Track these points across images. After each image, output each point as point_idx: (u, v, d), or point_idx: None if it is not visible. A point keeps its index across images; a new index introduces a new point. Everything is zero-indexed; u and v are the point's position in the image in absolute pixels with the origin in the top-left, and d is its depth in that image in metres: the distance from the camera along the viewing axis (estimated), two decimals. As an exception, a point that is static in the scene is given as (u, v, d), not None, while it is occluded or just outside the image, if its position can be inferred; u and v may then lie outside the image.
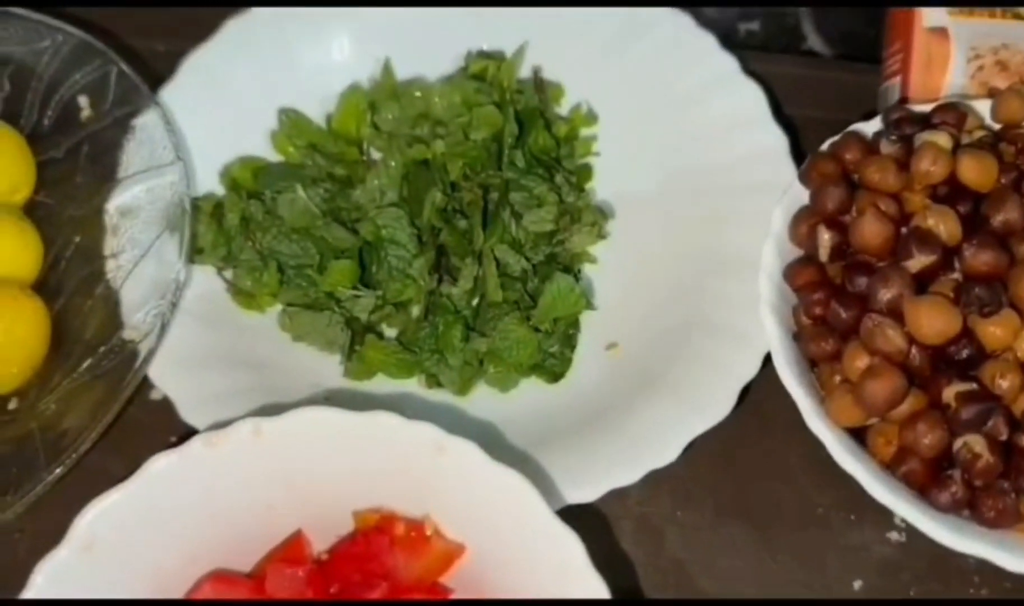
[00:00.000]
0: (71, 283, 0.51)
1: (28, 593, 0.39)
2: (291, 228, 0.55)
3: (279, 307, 0.54)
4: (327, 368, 0.53)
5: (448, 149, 0.56)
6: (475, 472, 0.41)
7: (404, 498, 0.43)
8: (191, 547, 0.42)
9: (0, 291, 0.48)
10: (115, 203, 0.53)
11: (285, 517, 0.43)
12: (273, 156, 0.59)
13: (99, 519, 0.40)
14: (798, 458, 0.50)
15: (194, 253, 0.53)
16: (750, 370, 0.48)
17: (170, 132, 0.53)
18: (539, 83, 0.60)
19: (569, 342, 0.53)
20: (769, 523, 0.49)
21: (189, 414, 0.48)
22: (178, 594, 0.42)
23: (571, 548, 0.39)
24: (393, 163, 0.56)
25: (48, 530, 0.44)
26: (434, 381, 0.53)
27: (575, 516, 0.42)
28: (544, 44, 0.60)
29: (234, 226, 0.54)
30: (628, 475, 0.46)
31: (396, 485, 0.43)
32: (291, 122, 0.59)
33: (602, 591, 0.39)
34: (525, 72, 0.60)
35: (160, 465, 0.41)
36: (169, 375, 0.49)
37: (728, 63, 0.58)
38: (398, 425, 0.41)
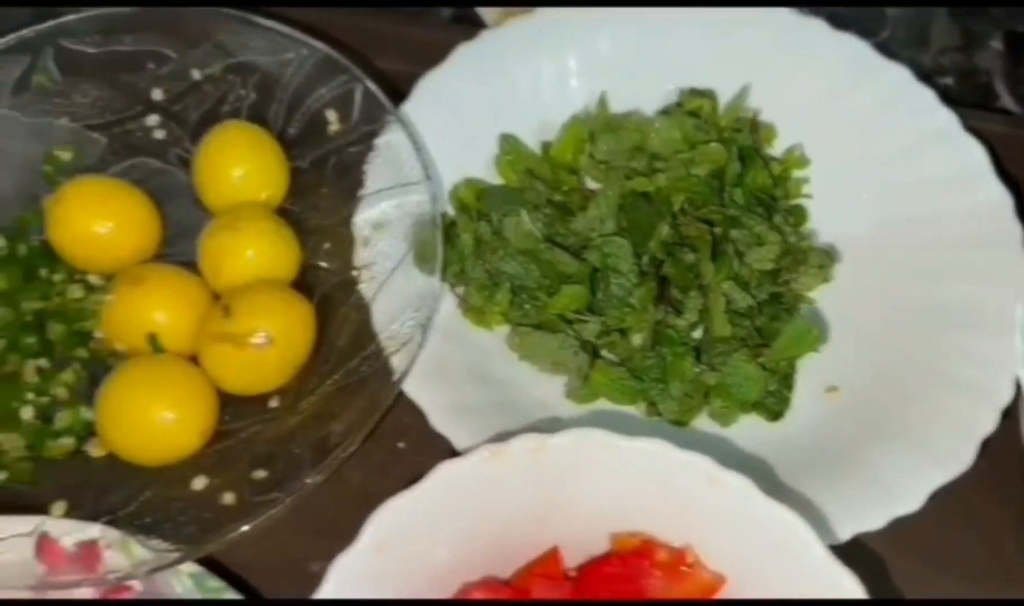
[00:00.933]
0: (322, 290, 0.54)
1: (322, 592, 0.41)
2: (517, 250, 0.57)
3: (505, 325, 0.56)
4: (543, 388, 0.55)
5: (670, 183, 0.58)
6: (747, 506, 0.42)
7: (666, 525, 0.44)
8: (463, 552, 0.44)
9: (272, 291, 0.50)
10: (364, 216, 0.55)
11: (545, 531, 0.45)
12: (491, 178, 0.61)
13: (390, 521, 0.42)
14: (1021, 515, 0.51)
15: (422, 267, 0.55)
16: (990, 424, 0.49)
17: (418, 151, 0.55)
18: (754, 124, 0.61)
19: (787, 382, 0.55)
20: (990, 578, 0.50)
21: (440, 423, 0.50)
22: (448, 596, 0.44)
23: (849, 590, 0.40)
24: (611, 193, 0.58)
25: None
26: (654, 410, 0.54)
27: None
28: (760, 86, 0.62)
29: (468, 246, 0.56)
30: (873, 521, 0.47)
31: (659, 512, 0.44)
32: (510, 147, 0.61)
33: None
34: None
35: (448, 471, 0.43)
36: (417, 384, 0.51)
37: (948, 118, 0.59)
38: (672, 454, 0.43)
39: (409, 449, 0.55)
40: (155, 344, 0.49)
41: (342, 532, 0.51)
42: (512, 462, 0.43)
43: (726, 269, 0.55)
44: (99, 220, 0.52)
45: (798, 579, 0.41)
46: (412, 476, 0.55)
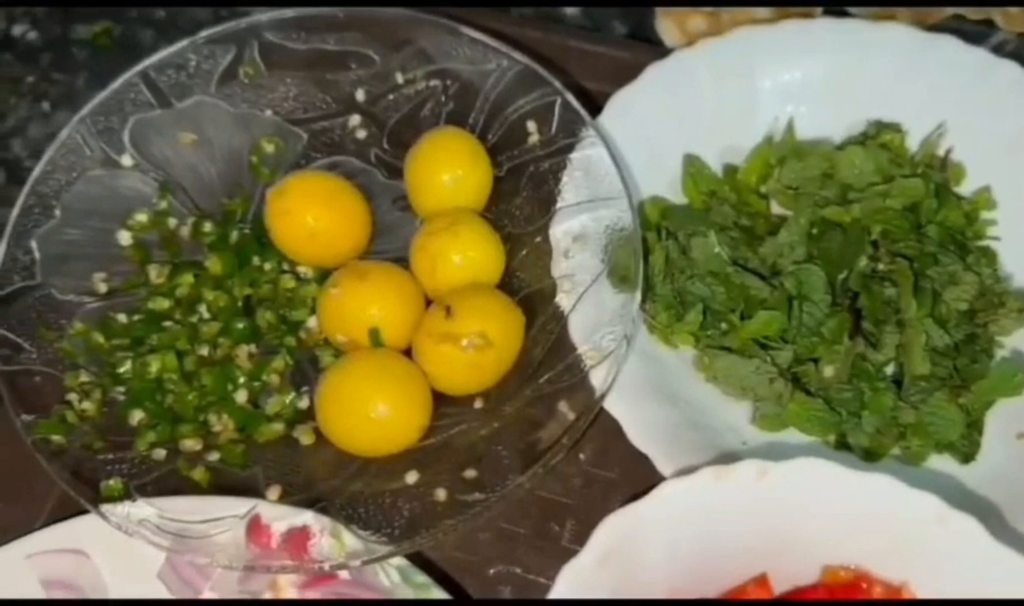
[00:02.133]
0: (519, 297, 0.54)
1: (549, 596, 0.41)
2: (705, 271, 0.57)
3: (690, 345, 0.56)
4: (729, 411, 0.55)
5: (865, 214, 0.58)
6: (972, 546, 0.42)
7: (882, 560, 0.44)
8: (678, 569, 0.44)
9: (490, 295, 0.51)
10: (563, 228, 0.55)
11: (757, 556, 0.45)
12: (674, 197, 0.61)
13: (614, 534, 0.42)
14: None
15: (619, 282, 0.56)
16: None
17: (617, 166, 0.55)
18: (944, 162, 0.61)
19: (978, 425, 0.54)
20: None
21: (638, 439, 0.50)
22: (658, 615, 0.44)
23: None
24: (802, 220, 0.58)
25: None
26: (842, 442, 0.54)
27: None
28: (949, 124, 0.61)
29: (659, 264, 0.57)
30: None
31: (877, 546, 0.44)
32: (695, 168, 0.61)
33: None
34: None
35: (671, 489, 0.43)
36: (613, 399, 0.52)
37: None
38: (899, 491, 0.43)
39: (589, 461, 0.56)
40: (376, 339, 0.50)
41: (519, 536, 0.53)
42: (735, 486, 0.43)
43: (927, 306, 0.54)
44: (321, 215, 0.53)
45: (1025, 626, 0.41)
46: (590, 487, 0.56)
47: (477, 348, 0.49)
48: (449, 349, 0.49)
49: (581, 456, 0.55)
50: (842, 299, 0.56)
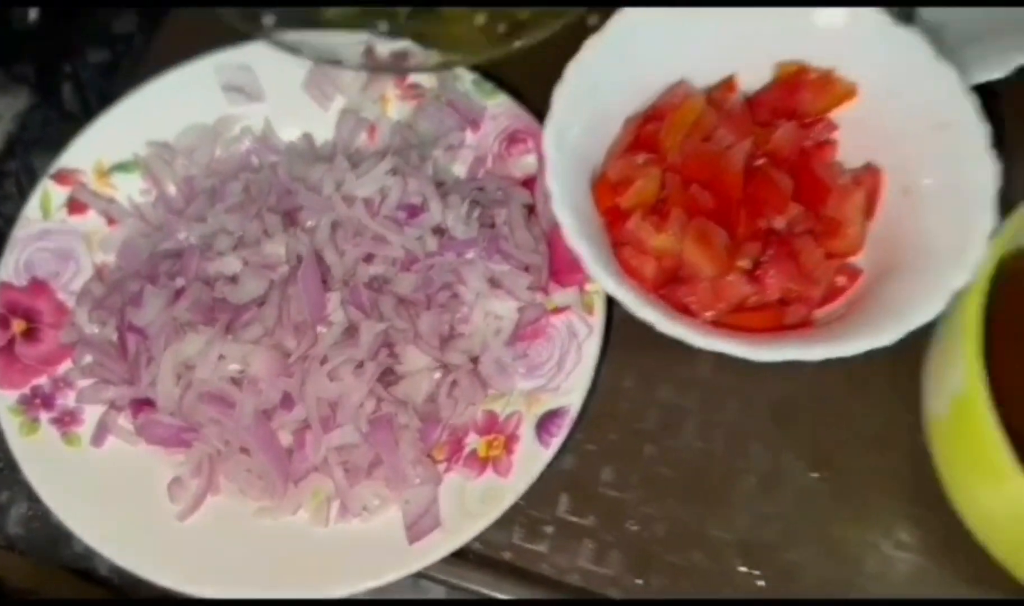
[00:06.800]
0: None
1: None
2: None
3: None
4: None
5: None
6: (882, 33, 0.59)
7: (820, 58, 0.61)
8: (665, 62, 0.62)
9: None
10: None
11: (725, 58, 0.62)
12: None
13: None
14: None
15: None
16: None
17: None
18: None
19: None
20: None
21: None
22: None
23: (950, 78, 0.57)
24: None
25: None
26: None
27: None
28: None
29: None
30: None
31: (815, 45, 0.61)
32: None
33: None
34: None
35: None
36: None
37: None
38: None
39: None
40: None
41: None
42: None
43: None
44: None
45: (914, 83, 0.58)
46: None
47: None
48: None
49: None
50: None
